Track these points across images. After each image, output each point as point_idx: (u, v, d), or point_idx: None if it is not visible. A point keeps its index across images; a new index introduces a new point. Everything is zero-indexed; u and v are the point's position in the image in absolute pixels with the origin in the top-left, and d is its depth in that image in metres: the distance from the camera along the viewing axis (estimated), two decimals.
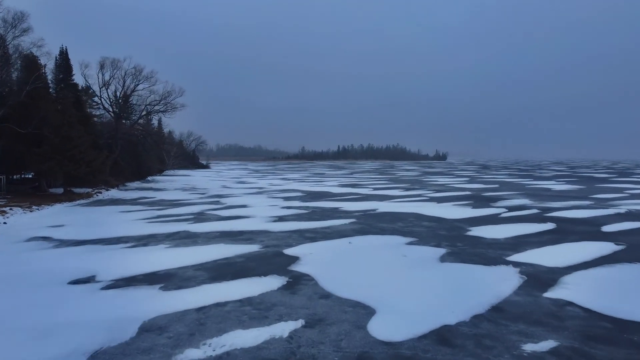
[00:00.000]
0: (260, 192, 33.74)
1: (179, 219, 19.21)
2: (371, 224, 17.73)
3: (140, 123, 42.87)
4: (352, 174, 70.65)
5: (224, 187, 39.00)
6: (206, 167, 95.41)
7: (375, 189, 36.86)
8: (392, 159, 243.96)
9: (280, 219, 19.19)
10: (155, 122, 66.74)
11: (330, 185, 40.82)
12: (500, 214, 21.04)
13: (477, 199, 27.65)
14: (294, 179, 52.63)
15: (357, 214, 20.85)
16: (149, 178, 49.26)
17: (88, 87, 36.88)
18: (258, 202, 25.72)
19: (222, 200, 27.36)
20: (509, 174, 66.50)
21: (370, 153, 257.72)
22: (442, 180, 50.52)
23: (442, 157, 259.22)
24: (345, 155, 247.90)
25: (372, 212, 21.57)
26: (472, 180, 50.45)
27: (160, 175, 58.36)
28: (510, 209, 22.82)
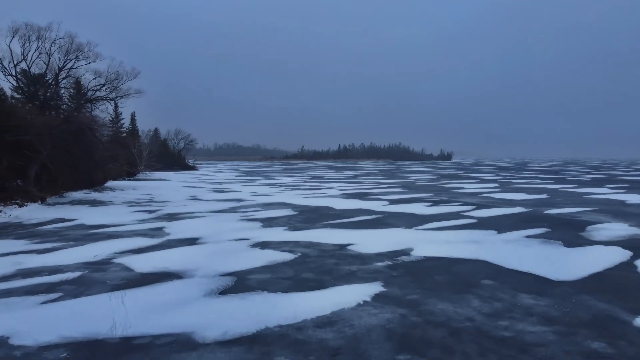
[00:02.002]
0: (235, 208, 24.57)
1: (40, 284, 10.06)
2: (419, 301, 8.62)
3: (88, 115, 33.56)
4: (356, 177, 61.51)
5: (192, 198, 29.85)
6: (193, 168, 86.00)
7: (391, 201, 27.71)
8: (395, 158, 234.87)
9: (238, 280, 10.07)
10: (126, 117, 57.58)
11: (332, 196, 31.67)
12: (632, 264, 11.91)
13: (551, 223, 18.53)
14: (287, 185, 43.48)
15: (381, 264, 11.71)
16: (108, 185, 40.14)
17: None
18: (220, 232, 16.58)
19: (169, 226, 18.21)
20: (537, 177, 57.38)
21: (372, 152, 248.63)
22: (467, 186, 41.33)
23: (447, 157, 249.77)
24: (346, 154, 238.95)
25: (406, 257, 12.45)
26: (504, 187, 41.29)
27: (127, 180, 49.19)
28: (630, 248, 13.70)
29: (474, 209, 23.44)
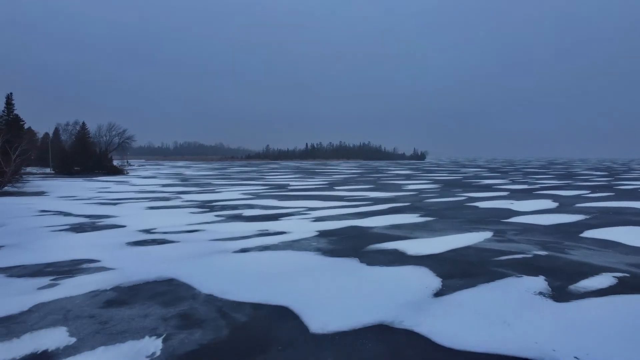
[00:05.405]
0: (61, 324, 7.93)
1: None
2: None
3: None
4: (331, 186, 45.55)
5: None
6: (119, 172, 67.18)
7: (438, 269, 11.91)
8: (365, 158, 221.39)
9: None
10: None
11: (297, 245, 15.54)
12: None
13: None
14: (225, 206, 26.83)
15: None
16: None
17: None
18: None
19: None
20: (569, 186, 43.55)
21: (341, 152, 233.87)
22: (515, 208, 26.14)
23: (420, 157, 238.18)
24: (313, 154, 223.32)
25: None
26: (572, 208, 26.46)
27: None
28: None
29: None
